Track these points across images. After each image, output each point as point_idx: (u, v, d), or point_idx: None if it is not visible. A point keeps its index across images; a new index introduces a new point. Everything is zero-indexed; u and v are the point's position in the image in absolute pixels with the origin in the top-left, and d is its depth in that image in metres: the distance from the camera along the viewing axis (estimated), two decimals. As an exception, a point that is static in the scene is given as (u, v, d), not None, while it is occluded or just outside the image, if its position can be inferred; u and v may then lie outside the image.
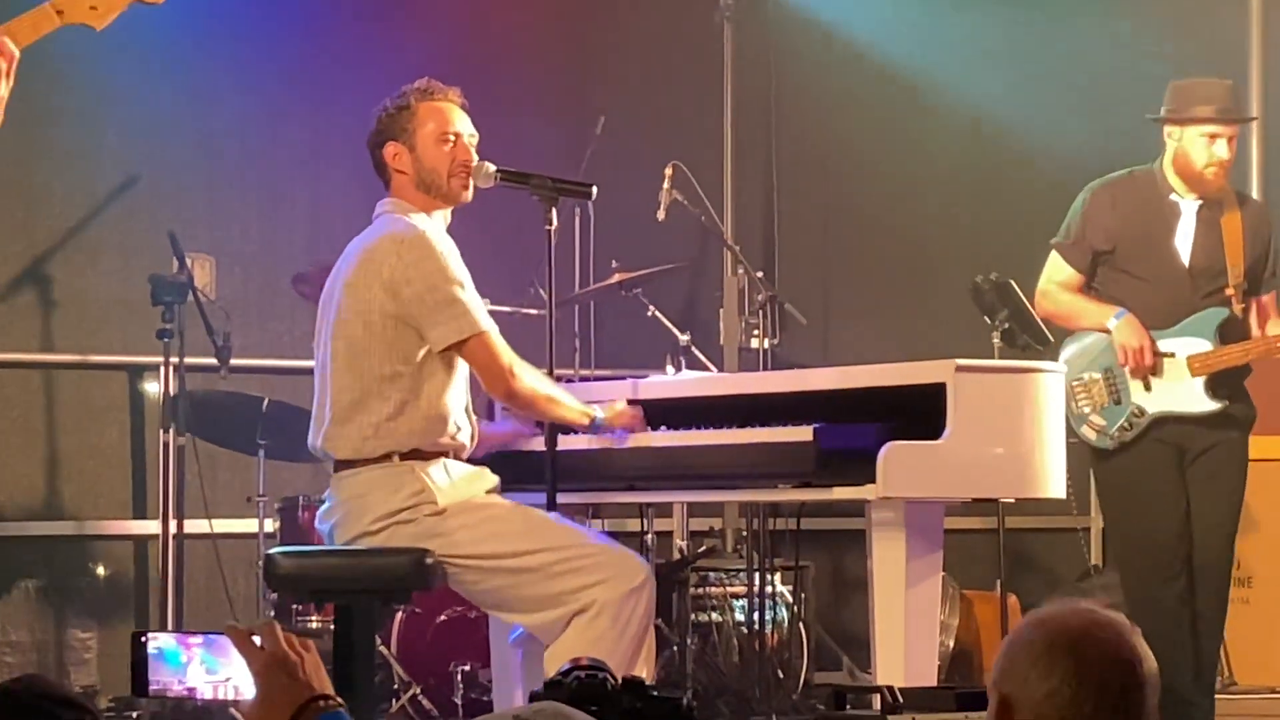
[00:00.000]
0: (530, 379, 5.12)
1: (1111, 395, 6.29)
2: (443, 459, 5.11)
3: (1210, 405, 6.23)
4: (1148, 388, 6.25)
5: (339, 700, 2.72)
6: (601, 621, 4.92)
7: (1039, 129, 9.05)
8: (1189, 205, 6.33)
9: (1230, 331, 6.28)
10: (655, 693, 2.42)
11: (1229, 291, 6.29)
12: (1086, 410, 6.31)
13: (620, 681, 2.42)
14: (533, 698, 2.36)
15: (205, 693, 2.77)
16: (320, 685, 2.71)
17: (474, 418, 5.25)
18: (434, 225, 5.18)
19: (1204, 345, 6.25)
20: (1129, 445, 6.29)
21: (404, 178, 5.20)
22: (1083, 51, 9.28)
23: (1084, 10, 9.30)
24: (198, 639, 2.80)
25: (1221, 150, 6.25)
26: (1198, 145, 6.27)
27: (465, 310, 5.06)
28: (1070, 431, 5.62)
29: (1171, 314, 6.29)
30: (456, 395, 5.15)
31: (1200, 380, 6.23)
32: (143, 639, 2.80)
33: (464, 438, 5.18)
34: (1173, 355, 6.25)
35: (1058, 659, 2.70)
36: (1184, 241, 6.32)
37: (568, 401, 5.24)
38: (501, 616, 5.23)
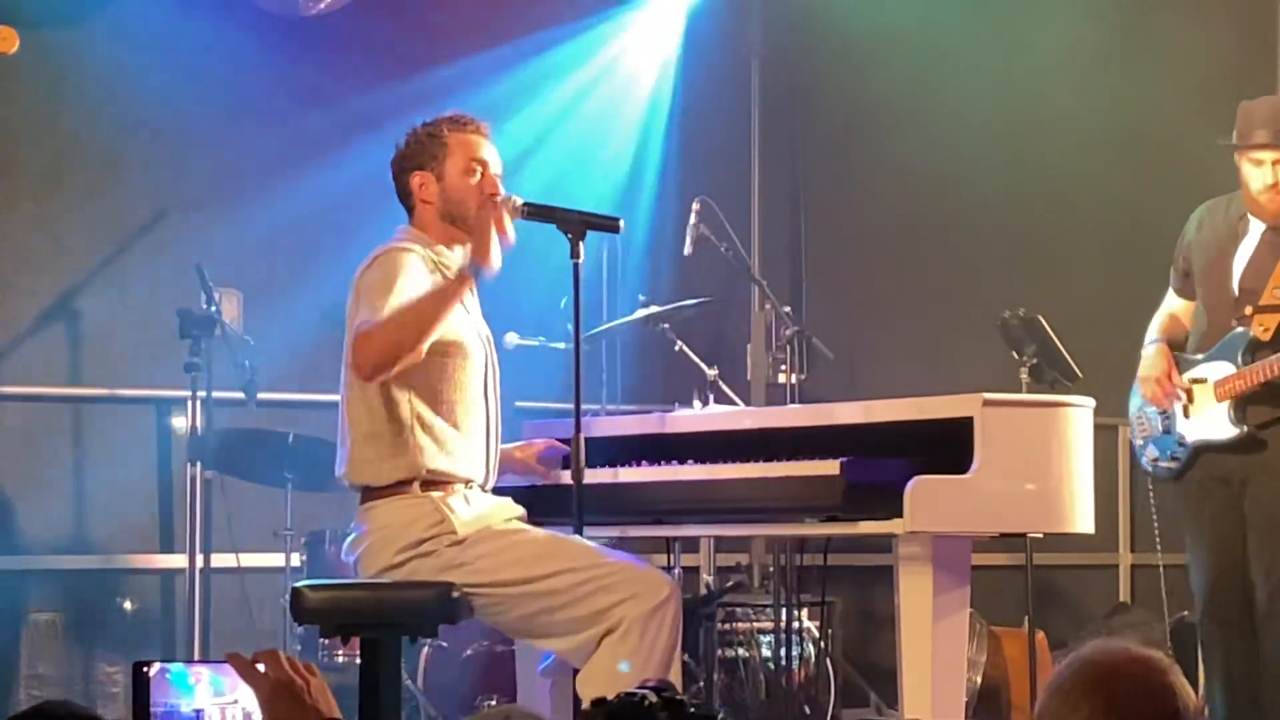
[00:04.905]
0: (376, 339, 4.87)
1: (1164, 424, 6.19)
2: (463, 488, 5.09)
3: (1232, 431, 6.03)
4: (1187, 415, 6.11)
5: None
6: (631, 638, 4.89)
7: (1069, 164, 9.03)
8: (1258, 225, 6.10)
9: (1257, 354, 6.00)
10: (693, 710, 2.39)
11: (1248, 311, 6.01)
12: (1141, 441, 6.27)
13: (658, 698, 2.37)
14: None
15: (214, 715, 2.77)
16: (328, 708, 2.71)
17: (495, 444, 5.24)
18: (452, 256, 5.17)
19: (1229, 369, 6.04)
20: (1179, 476, 6.17)
21: (429, 208, 5.20)
22: (1112, 86, 9.26)
23: (1118, 54, 9.27)
24: (203, 666, 2.81)
25: (1270, 175, 6.00)
26: (1250, 171, 6.05)
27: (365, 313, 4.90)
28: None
29: (1217, 338, 6.11)
30: (465, 416, 5.11)
31: (1225, 405, 6.03)
32: (144, 669, 2.79)
33: (479, 461, 5.15)
34: (1205, 381, 6.10)
35: (1086, 694, 2.69)
36: (1240, 263, 6.09)
37: (421, 300, 4.94)
38: (533, 643, 5.20)
